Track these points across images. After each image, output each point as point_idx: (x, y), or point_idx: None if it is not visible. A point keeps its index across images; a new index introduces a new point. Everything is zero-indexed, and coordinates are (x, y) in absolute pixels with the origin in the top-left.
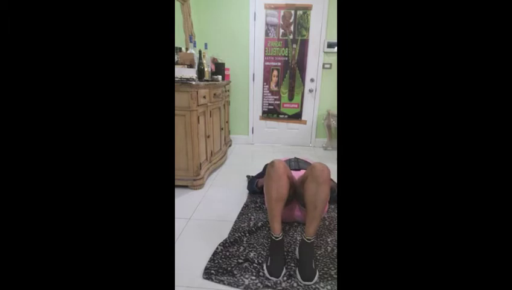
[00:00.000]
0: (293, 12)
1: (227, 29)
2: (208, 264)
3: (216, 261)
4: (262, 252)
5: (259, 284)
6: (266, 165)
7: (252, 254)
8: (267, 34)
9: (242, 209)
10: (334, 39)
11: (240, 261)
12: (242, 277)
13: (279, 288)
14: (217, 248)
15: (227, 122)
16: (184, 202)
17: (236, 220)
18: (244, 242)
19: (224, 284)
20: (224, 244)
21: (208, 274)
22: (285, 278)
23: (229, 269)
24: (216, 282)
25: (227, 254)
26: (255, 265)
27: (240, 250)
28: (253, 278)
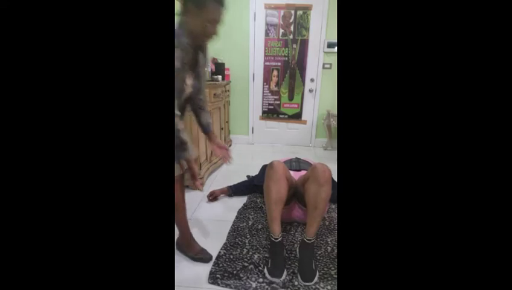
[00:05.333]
0: (293, 12)
1: (227, 29)
2: (212, 268)
3: (221, 265)
4: (266, 254)
5: (266, 287)
6: (264, 166)
7: (256, 256)
8: (267, 34)
9: (241, 209)
10: (334, 39)
11: (246, 265)
12: (249, 280)
13: (281, 286)
14: (220, 252)
15: (227, 122)
16: None
17: (234, 220)
18: (247, 244)
19: (231, 288)
20: (226, 247)
21: (213, 279)
22: (289, 277)
23: (234, 272)
24: (223, 286)
25: (231, 257)
26: (260, 268)
27: (244, 252)
28: (260, 281)
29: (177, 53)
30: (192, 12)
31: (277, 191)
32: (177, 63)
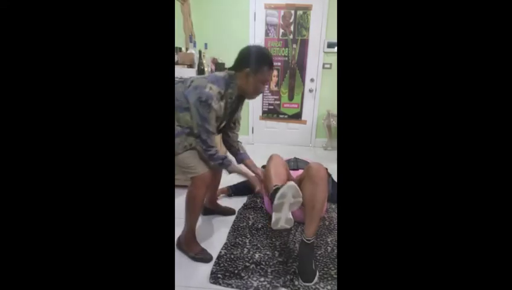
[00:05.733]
0: (293, 12)
1: (227, 29)
2: (213, 268)
3: (222, 265)
4: (267, 252)
5: (268, 286)
6: (264, 167)
7: (257, 256)
8: (267, 34)
9: (241, 209)
10: (334, 39)
11: (247, 264)
12: (250, 279)
13: (282, 285)
14: (220, 252)
15: None
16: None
17: (235, 220)
18: (247, 244)
19: (232, 287)
20: (227, 247)
21: (214, 278)
22: (289, 277)
23: (236, 271)
24: (224, 286)
25: (232, 256)
26: (262, 266)
27: (244, 252)
28: (262, 280)
29: (222, 103)
30: (248, 74)
31: (277, 173)
32: (220, 112)
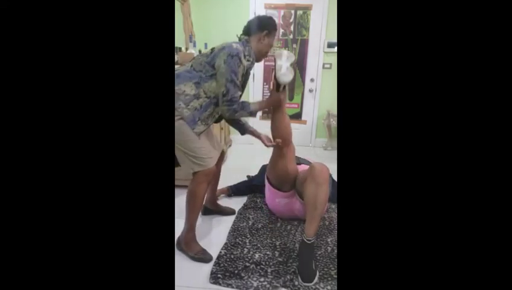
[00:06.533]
0: (293, 12)
1: (227, 29)
2: (213, 268)
3: (222, 265)
4: (267, 252)
5: (268, 286)
6: (264, 166)
7: (257, 256)
8: None
9: (241, 209)
10: (334, 39)
11: (247, 264)
12: (250, 279)
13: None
14: (220, 252)
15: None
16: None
17: (235, 220)
18: (247, 244)
19: (232, 287)
20: (227, 247)
21: (214, 278)
22: (289, 277)
23: (236, 271)
24: (224, 286)
25: (232, 257)
26: (262, 266)
27: (244, 252)
28: (262, 280)
29: (245, 63)
30: (265, 36)
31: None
32: (244, 70)
